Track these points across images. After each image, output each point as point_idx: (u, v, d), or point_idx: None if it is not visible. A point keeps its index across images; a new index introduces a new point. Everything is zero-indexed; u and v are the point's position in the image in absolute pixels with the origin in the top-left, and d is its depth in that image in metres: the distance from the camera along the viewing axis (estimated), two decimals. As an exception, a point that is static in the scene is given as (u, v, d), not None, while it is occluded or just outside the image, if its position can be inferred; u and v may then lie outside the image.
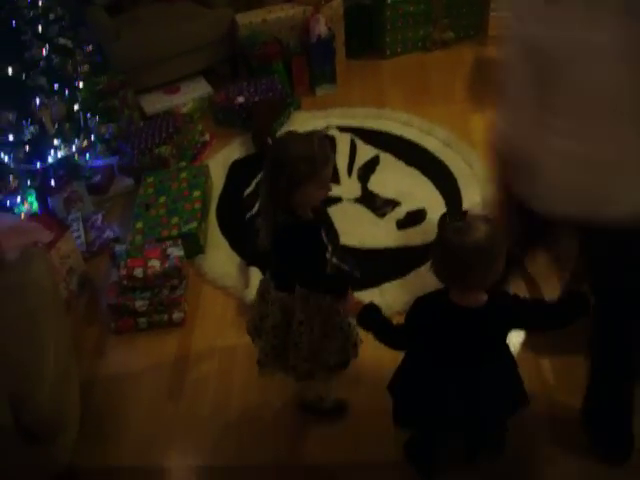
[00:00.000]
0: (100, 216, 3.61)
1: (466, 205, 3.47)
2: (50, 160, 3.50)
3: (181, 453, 2.59)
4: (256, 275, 3.09)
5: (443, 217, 1.85)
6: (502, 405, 2.06)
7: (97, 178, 3.82)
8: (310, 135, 1.99)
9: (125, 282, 2.98)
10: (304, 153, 1.90)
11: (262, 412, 2.65)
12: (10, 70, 3.25)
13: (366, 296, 3.00)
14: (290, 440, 2.56)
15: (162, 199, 3.52)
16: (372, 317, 2.00)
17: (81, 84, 3.76)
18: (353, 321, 2.21)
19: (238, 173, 3.92)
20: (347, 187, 3.69)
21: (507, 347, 2.01)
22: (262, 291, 2.30)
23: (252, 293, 3.02)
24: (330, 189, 2.02)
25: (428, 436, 2.31)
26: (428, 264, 1.79)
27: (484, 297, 1.81)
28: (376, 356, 2.46)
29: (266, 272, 2.31)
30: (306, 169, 1.89)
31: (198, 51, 4.46)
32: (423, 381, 2.04)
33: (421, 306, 1.92)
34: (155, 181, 3.66)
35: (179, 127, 3.99)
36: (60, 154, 3.54)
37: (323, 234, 2.12)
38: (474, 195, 3.53)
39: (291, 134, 2.03)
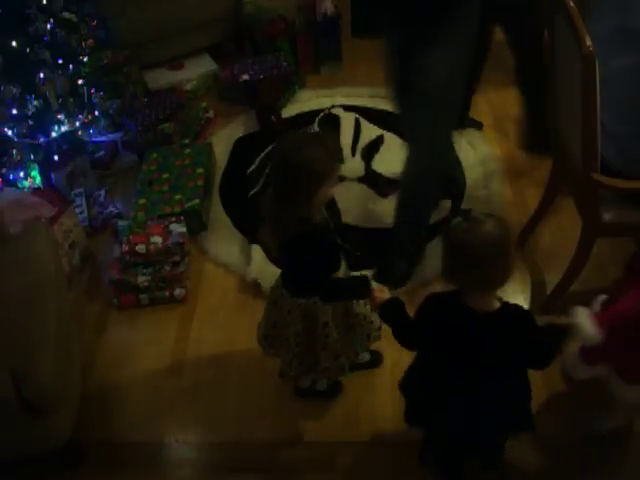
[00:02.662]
0: (103, 191, 3.61)
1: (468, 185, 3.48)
2: (54, 135, 3.50)
3: (181, 429, 2.61)
4: (258, 253, 3.09)
5: (446, 221, 1.80)
6: (501, 424, 1.99)
7: (101, 153, 3.82)
8: (317, 134, 1.96)
9: (127, 258, 2.99)
10: (319, 153, 1.87)
11: (262, 389, 2.66)
12: (14, 44, 3.24)
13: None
14: (289, 417, 2.58)
15: (165, 176, 3.52)
16: (393, 312, 1.97)
17: (85, 59, 3.74)
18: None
19: (242, 151, 3.91)
20: (350, 166, 3.68)
21: (523, 368, 1.93)
22: (274, 299, 2.27)
23: (253, 271, 3.04)
24: (337, 184, 2.00)
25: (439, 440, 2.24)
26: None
27: (497, 303, 1.78)
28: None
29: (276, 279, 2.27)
30: (324, 169, 1.87)
31: (203, 28, 4.44)
32: (429, 387, 2.00)
33: (432, 306, 1.87)
34: (158, 157, 3.66)
35: (183, 104, 3.98)
36: (64, 129, 3.54)
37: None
38: (477, 177, 3.53)
39: (298, 136, 1.98)
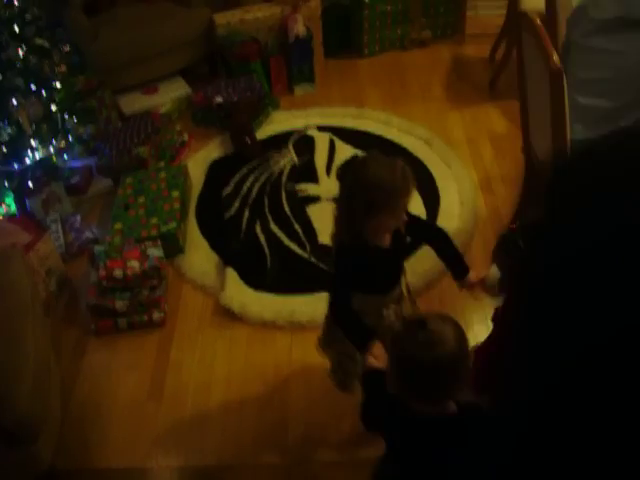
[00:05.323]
0: (79, 217, 3.59)
1: (444, 203, 3.50)
2: (28, 161, 3.48)
3: (162, 453, 2.59)
4: (231, 277, 3.11)
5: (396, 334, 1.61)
6: None
7: (75, 179, 3.81)
8: (394, 162, 1.90)
9: (104, 283, 2.97)
10: (387, 182, 1.84)
11: (243, 411, 2.66)
12: (-14, 71, 3.24)
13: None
14: (271, 438, 2.57)
15: (141, 199, 3.51)
16: (374, 386, 1.77)
17: (58, 84, 3.74)
18: None
19: (217, 173, 3.92)
20: (325, 186, 3.70)
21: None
22: None
23: (227, 296, 3.03)
24: (403, 219, 1.96)
25: None
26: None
27: (454, 406, 1.60)
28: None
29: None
30: (385, 198, 1.84)
31: (176, 51, 4.45)
32: None
33: (381, 409, 1.71)
34: (134, 181, 3.65)
35: (158, 127, 3.98)
36: (38, 155, 3.53)
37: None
38: (452, 195, 3.56)
39: (376, 158, 1.93)
